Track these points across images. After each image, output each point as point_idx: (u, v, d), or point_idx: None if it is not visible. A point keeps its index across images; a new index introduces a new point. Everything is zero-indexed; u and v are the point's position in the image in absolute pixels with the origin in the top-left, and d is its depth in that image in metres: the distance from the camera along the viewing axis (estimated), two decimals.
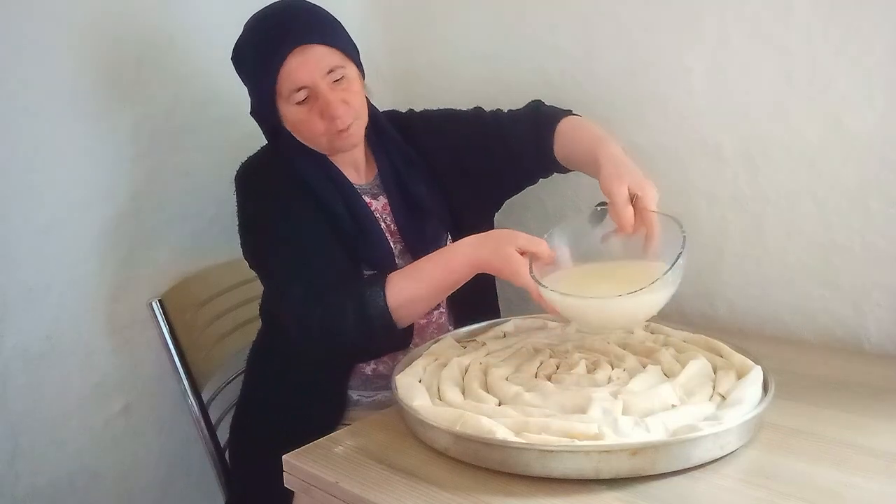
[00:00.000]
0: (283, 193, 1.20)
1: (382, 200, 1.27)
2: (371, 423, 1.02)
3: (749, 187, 1.28)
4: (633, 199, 1.00)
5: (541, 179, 1.36)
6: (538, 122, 1.27)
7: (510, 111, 1.34)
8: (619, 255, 1.04)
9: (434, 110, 1.37)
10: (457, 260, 1.08)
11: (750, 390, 0.91)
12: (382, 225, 1.25)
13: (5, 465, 1.32)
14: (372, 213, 1.24)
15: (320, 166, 1.23)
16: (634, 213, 0.99)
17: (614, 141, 1.13)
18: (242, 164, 1.24)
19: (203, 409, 1.37)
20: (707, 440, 0.83)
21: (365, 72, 1.24)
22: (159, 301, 1.35)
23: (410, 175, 1.28)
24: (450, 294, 1.14)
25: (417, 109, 1.38)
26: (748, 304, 1.33)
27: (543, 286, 0.97)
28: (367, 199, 1.26)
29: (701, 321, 1.37)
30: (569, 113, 1.29)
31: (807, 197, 1.23)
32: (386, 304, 1.08)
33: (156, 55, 1.43)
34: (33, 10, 1.28)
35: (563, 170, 1.27)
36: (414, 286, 1.09)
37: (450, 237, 1.30)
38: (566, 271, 1.04)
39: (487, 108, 1.50)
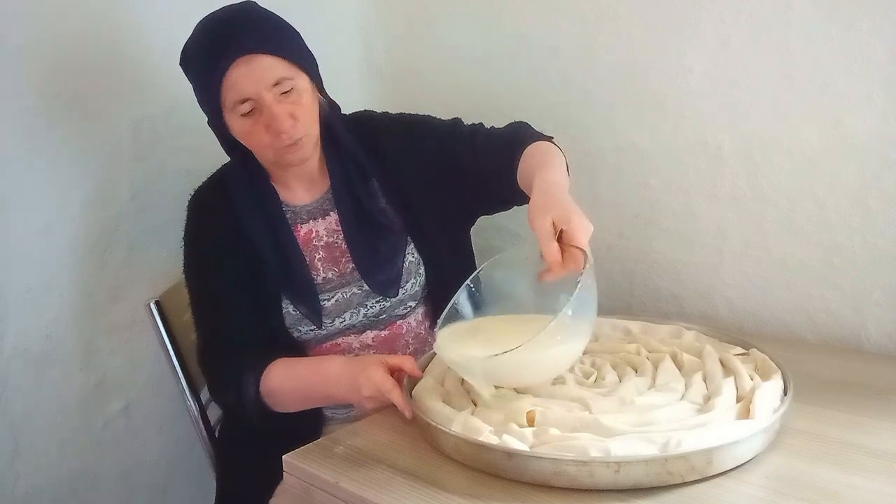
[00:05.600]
0: (214, 237, 1.21)
1: (333, 217, 1.23)
2: (371, 423, 1.02)
3: (749, 187, 1.28)
4: (559, 233, 0.92)
5: (516, 207, 1.25)
6: (512, 143, 1.18)
7: (490, 128, 1.25)
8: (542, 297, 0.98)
9: (409, 115, 1.31)
10: (322, 390, 1.11)
11: (768, 403, 0.90)
12: (321, 252, 1.22)
13: (5, 465, 1.32)
14: (299, 249, 1.21)
15: (258, 195, 1.21)
16: (562, 250, 0.91)
17: (557, 169, 1.07)
18: (195, 191, 1.25)
19: (202, 409, 1.37)
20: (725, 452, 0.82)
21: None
22: (157, 302, 1.35)
23: (366, 188, 1.23)
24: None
25: (415, 109, 1.37)
26: (748, 304, 1.33)
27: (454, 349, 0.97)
28: (311, 223, 1.23)
29: (701, 321, 1.37)
30: (546, 139, 1.21)
31: (807, 197, 1.23)
32: (257, 393, 1.12)
33: (156, 55, 1.43)
34: (33, 11, 1.28)
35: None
36: (284, 387, 1.13)
37: (415, 251, 1.25)
38: (469, 324, 1.03)
39: (486, 109, 1.49)
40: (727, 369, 1.00)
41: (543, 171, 1.05)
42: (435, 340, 0.99)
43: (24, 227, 1.30)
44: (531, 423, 0.89)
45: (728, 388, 0.94)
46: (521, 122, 1.27)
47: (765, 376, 0.97)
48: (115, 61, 1.39)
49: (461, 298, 1.03)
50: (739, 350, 1.07)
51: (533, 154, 1.16)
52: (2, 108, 1.26)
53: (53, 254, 1.34)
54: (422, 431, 0.96)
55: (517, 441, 0.85)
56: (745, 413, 0.89)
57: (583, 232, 0.91)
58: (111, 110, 1.40)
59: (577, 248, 0.90)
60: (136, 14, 1.41)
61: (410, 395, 1.01)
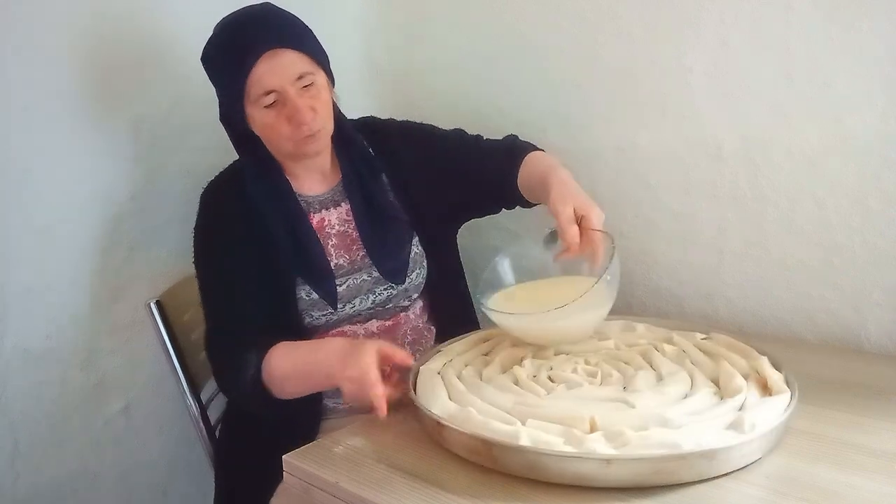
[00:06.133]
0: (227, 229, 1.22)
1: (344, 207, 1.29)
2: (371, 423, 1.02)
3: (749, 187, 1.28)
4: (579, 219, 1.06)
5: (504, 210, 1.38)
6: (511, 154, 1.29)
7: (488, 140, 1.35)
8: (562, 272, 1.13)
9: (415, 123, 1.38)
10: (321, 369, 1.10)
11: (773, 409, 0.90)
12: (333, 240, 1.26)
13: (5, 465, 1.32)
14: (314, 234, 1.25)
15: (272, 186, 1.24)
16: (581, 233, 1.05)
17: (566, 170, 1.19)
18: (208, 184, 1.28)
19: (202, 409, 1.37)
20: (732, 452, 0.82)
21: (335, 79, 1.25)
22: (157, 302, 1.35)
23: (374, 182, 1.29)
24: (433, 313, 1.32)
25: (415, 109, 1.38)
26: (748, 304, 1.33)
27: (490, 308, 1.07)
28: (323, 212, 1.27)
29: (701, 321, 1.37)
30: (539, 149, 1.32)
31: (807, 197, 1.23)
32: (258, 376, 1.13)
33: (156, 55, 1.43)
34: (34, 11, 1.28)
35: (527, 203, 1.29)
36: (285, 367, 1.13)
37: (419, 244, 1.31)
38: (513, 289, 1.15)
39: (487, 109, 1.50)
40: (709, 355, 1.05)
41: (557, 170, 1.17)
42: (483, 306, 1.09)
43: (24, 227, 1.30)
44: (594, 428, 0.87)
45: (733, 370, 0.97)
46: (514, 135, 1.37)
47: (742, 354, 1.03)
48: (115, 61, 1.39)
49: (502, 267, 1.17)
50: (701, 335, 1.12)
51: (539, 160, 1.27)
52: (2, 109, 1.26)
53: (53, 254, 1.34)
54: (473, 448, 0.88)
55: (606, 447, 0.82)
56: (765, 389, 0.94)
57: (600, 218, 1.06)
58: (111, 110, 1.39)
59: (600, 231, 1.05)
60: (136, 14, 1.41)
61: (415, 390, 1.01)
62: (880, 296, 1.18)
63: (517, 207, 1.34)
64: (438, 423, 0.91)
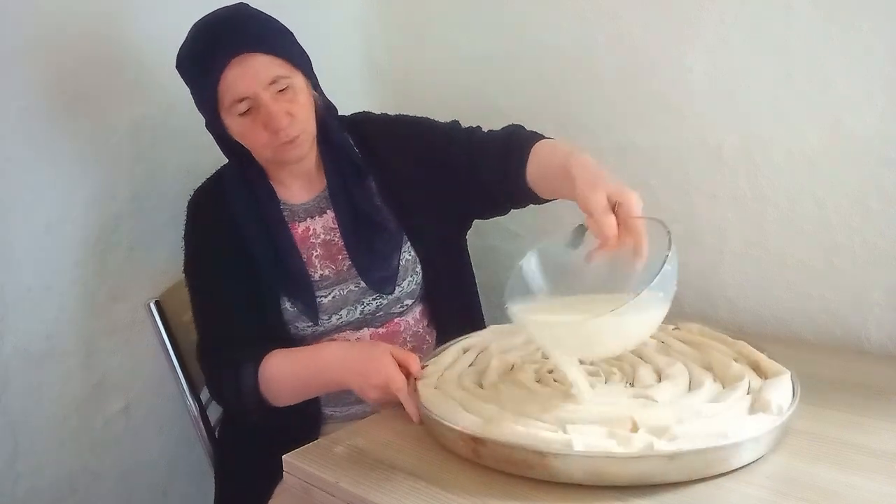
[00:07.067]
0: (212, 237, 1.22)
1: (330, 215, 1.24)
2: (371, 423, 1.02)
3: (749, 187, 1.28)
4: (615, 207, 0.90)
5: (512, 209, 1.27)
6: (510, 145, 1.18)
7: (488, 131, 1.25)
8: (601, 279, 0.93)
9: (407, 116, 1.32)
10: (322, 376, 1.11)
11: (782, 399, 0.89)
12: (318, 250, 1.23)
13: (5, 465, 1.32)
14: (294, 246, 1.21)
15: (255, 195, 1.22)
16: (617, 224, 0.89)
17: (585, 153, 1.05)
18: (193, 192, 1.27)
19: (202, 409, 1.37)
20: (734, 450, 0.82)
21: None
22: (157, 302, 1.35)
23: (361, 187, 1.24)
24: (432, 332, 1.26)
25: (416, 110, 1.37)
26: (748, 304, 1.33)
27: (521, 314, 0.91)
28: (308, 220, 1.24)
29: (701, 321, 1.36)
30: (545, 137, 1.21)
31: (807, 197, 1.23)
32: (255, 384, 1.14)
33: (156, 55, 1.43)
34: (34, 10, 1.28)
35: (538, 199, 1.18)
36: (282, 374, 1.14)
37: (411, 250, 1.26)
38: (539, 306, 0.95)
39: (486, 109, 1.49)
40: (690, 344, 1.07)
41: (575, 155, 1.03)
42: (509, 311, 0.93)
43: (24, 227, 1.30)
44: (635, 427, 0.84)
45: (727, 358, 1.00)
46: (517, 125, 1.26)
47: (720, 341, 1.06)
48: (114, 61, 1.39)
49: (531, 266, 0.97)
50: (671, 326, 1.13)
51: (552, 149, 1.14)
52: (2, 109, 1.26)
53: (53, 254, 1.34)
54: (514, 460, 0.84)
55: (659, 444, 0.80)
56: (763, 374, 0.96)
57: (638, 204, 0.91)
58: (111, 110, 1.40)
59: (644, 217, 0.89)
60: (136, 14, 1.41)
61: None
62: (880, 296, 1.18)
63: (528, 206, 1.23)
64: (474, 438, 0.85)
